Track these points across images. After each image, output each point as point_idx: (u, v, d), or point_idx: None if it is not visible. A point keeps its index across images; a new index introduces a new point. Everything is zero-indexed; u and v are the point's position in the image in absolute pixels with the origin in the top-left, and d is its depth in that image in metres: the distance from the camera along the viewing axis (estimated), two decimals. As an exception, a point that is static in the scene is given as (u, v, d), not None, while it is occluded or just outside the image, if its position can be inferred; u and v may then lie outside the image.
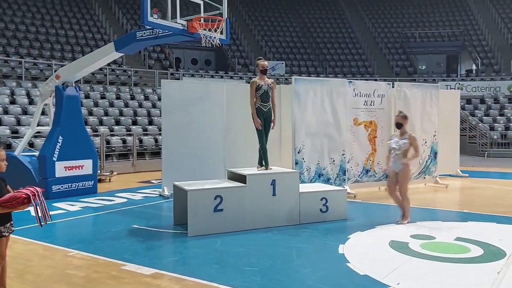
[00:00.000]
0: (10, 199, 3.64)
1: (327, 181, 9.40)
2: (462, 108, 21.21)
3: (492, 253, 5.38)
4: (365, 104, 10.22)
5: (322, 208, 7.19)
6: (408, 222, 6.93)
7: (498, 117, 21.96)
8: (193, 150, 9.52)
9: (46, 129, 10.59)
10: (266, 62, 7.18)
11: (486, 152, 19.67)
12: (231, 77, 24.76)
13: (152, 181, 12.01)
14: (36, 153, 10.03)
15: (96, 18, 25.71)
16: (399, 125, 7.05)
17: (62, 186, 9.46)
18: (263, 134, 7.08)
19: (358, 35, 32.04)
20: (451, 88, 23.18)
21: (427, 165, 11.09)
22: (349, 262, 5.09)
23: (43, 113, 10.89)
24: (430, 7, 33.70)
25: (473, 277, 4.61)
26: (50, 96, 10.25)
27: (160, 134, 13.87)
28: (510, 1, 32.14)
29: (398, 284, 4.42)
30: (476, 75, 27.72)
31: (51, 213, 7.86)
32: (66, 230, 6.85)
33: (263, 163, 7.14)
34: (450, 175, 12.43)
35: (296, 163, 9.11)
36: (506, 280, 4.50)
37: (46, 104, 10.41)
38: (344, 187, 9.03)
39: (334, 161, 9.61)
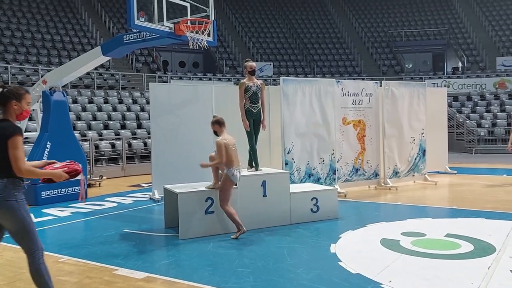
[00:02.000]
0: (65, 167, 3.71)
1: (317, 181, 9.43)
2: (449, 105, 21.42)
3: (482, 249, 5.44)
4: (354, 103, 10.29)
5: (313, 208, 7.22)
6: (239, 234, 6.16)
7: (485, 113, 22.22)
8: (183, 153, 9.49)
9: (34, 134, 10.49)
10: (253, 63, 7.19)
11: (474, 149, 19.89)
12: (219, 79, 24.76)
13: (142, 184, 11.96)
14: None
15: (83, 22, 25.54)
16: (215, 133, 6.40)
17: (51, 192, 9.37)
18: (252, 135, 7.08)
19: (345, 35, 32.22)
20: (437, 86, 23.40)
21: (415, 162, 11.18)
22: (341, 261, 5.12)
23: (30, 118, 10.79)
24: (415, 6, 34.03)
25: (464, 272, 4.66)
26: (37, 102, 10.16)
27: (149, 138, 13.80)
28: (494, -1, 32.62)
29: (390, 281, 4.45)
30: (462, 72, 28.03)
31: (41, 219, 7.85)
32: (56, 236, 6.79)
33: (253, 164, 7.15)
34: (438, 172, 12.55)
35: (286, 164, 9.14)
36: (496, 275, 4.56)
37: (33, 110, 10.31)
38: (334, 187, 9.07)
39: (324, 160, 9.65)
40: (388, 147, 10.69)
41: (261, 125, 7.17)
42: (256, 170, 7.11)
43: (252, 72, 7.06)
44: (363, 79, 21.93)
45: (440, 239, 5.97)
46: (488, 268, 4.76)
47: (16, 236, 3.61)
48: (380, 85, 10.89)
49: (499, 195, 9.32)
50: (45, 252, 5.70)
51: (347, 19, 33.61)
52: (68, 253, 5.69)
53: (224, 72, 26.94)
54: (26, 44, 21.48)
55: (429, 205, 8.64)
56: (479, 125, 21.19)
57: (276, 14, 33.63)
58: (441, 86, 23.84)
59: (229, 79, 24.59)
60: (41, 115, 10.00)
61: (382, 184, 10.60)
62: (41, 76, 12.24)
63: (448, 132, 13.77)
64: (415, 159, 11.18)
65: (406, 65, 30.60)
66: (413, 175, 11.20)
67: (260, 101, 7.10)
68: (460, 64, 29.60)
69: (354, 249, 5.60)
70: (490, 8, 32.34)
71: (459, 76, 27.11)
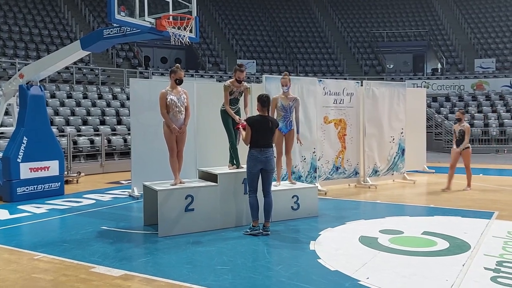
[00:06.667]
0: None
1: (299, 178, 9.46)
2: (428, 106, 21.75)
3: (457, 246, 5.54)
4: (335, 102, 10.35)
5: (293, 205, 7.24)
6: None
7: (462, 114, 22.56)
8: (163, 150, 9.34)
9: (10, 129, 10.27)
10: (243, 74, 7.16)
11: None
12: (202, 76, 24.62)
13: (121, 181, 11.82)
14: (0, 155, 9.71)
15: (62, 16, 25.10)
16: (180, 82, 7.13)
17: (27, 188, 9.18)
18: (232, 133, 7.10)
19: (328, 34, 32.40)
20: (417, 87, 23.72)
21: (395, 161, 11.32)
22: (320, 258, 5.15)
23: (6, 113, 10.56)
24: (397, 7, 34.43)
25: (440, 269, 4.74)
26: (14, 96, 9.93)
27: (129, 134, 13.65)
28: (473, 2, 33.18)
29: (368, 278, 4.50)
30: (441, 74, 28.47)
31: (16, 216, 7.70)
32: (32, 233, 6.67)
33: (234, 162, 7.15)
34: (417, 171, 12.72)
35: (267, 162, 9.12)
36: (470, 272, 4.65)
37: (9, 104, 10.09)
38: (315, 185, 9.11)
39: (305, 159, 9.69)
40: (368, 146, 10.79)
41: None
42: (237, 168, 7.10)
43: (238, 81, 7.09)
44: (345, 79, 22.04)
45: (417, 236, 6.05)
46: (463, 265, 4.84)
47: (269, 180, 6.30)
48: (361, 85, 10.97)
49: (475, 194, 9.51)
50: (19, 250, 5.66)
51: (330, 19, 33.80)
52: (43, 250, 5.59)
53: (206, 69, 26.81)
54: (3, 37, 21.01)
55: (407, 203, 8.75)
56: (457, 125, 21.52)
57: (260, 12, 33.62)
58: (421, 86, 24.17)
59: (211, 76, 24.48)
60: (18, 109, 9.79)
61: (362, 183, 10.70)
62: (18, 70, 11.98)
63: (427, 132, 13.95)
64: (394, 158, 11.32)
65: (387, 66, 30.93)
66: (392, 174, 11.33)
67: (238, 103, 7.21)
68: (439, 66, 30.05)
69: (333, 247, 5.63)
70: (470, 11, 32.91)
71: (438, 77, 27.53)
